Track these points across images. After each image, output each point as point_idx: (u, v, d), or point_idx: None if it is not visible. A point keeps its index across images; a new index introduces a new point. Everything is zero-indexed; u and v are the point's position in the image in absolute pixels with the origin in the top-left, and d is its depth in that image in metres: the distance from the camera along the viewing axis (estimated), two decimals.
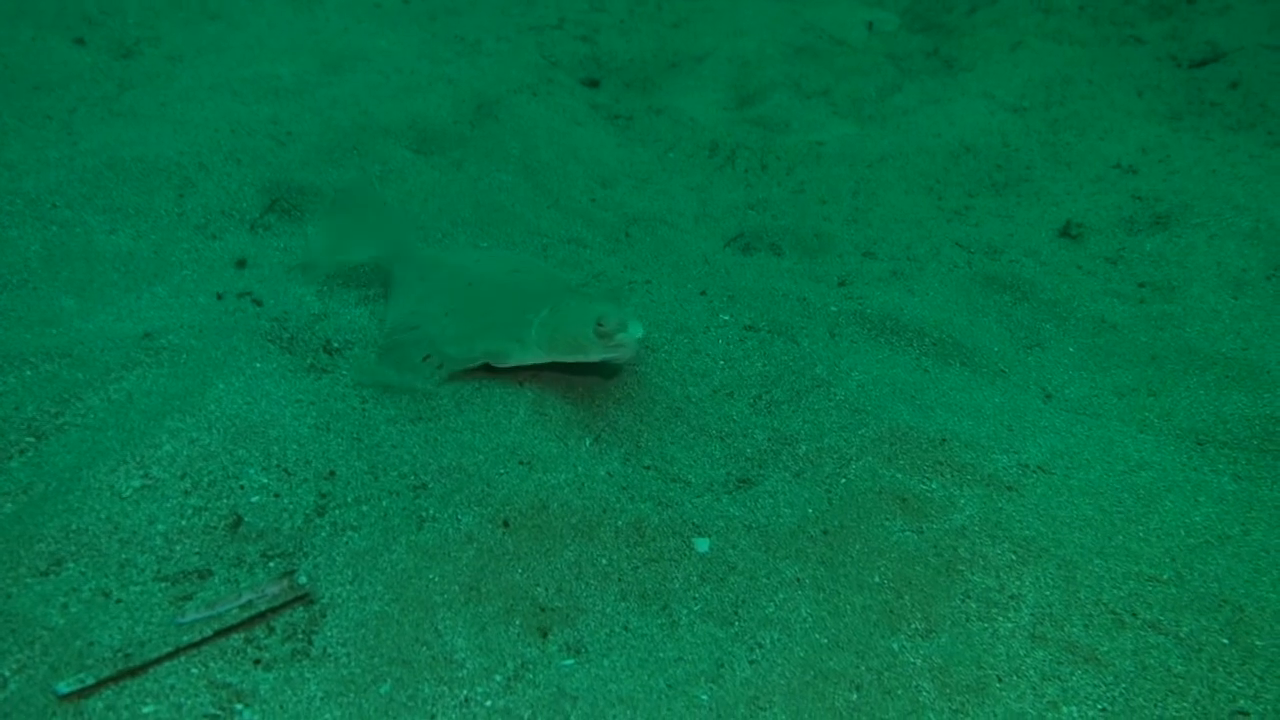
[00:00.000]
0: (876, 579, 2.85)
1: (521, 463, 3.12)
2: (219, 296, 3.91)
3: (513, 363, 3.41)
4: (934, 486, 3.18)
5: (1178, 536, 3.08)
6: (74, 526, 2.67)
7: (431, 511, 2.91)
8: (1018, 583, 2.88)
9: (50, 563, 2.62)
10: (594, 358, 3.30)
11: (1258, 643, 2.73)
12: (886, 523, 3.04)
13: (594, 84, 7.04)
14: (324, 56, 6.47)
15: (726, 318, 4.14)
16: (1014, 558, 2.95)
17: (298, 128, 5.50)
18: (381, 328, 3.76)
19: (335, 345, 3.74)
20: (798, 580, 2.85)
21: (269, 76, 6.04)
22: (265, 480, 3.00)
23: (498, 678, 2.47)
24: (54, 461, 2.92)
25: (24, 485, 2.85)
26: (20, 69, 5.67)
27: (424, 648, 2.51)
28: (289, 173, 4.94)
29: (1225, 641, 2.73)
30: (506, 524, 2.89)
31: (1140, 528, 3.11)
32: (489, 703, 2.40)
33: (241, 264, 4.22)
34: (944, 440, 3.36)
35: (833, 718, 2.45)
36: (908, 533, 3.01)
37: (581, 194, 5.33)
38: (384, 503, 2.95)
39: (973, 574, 2.90)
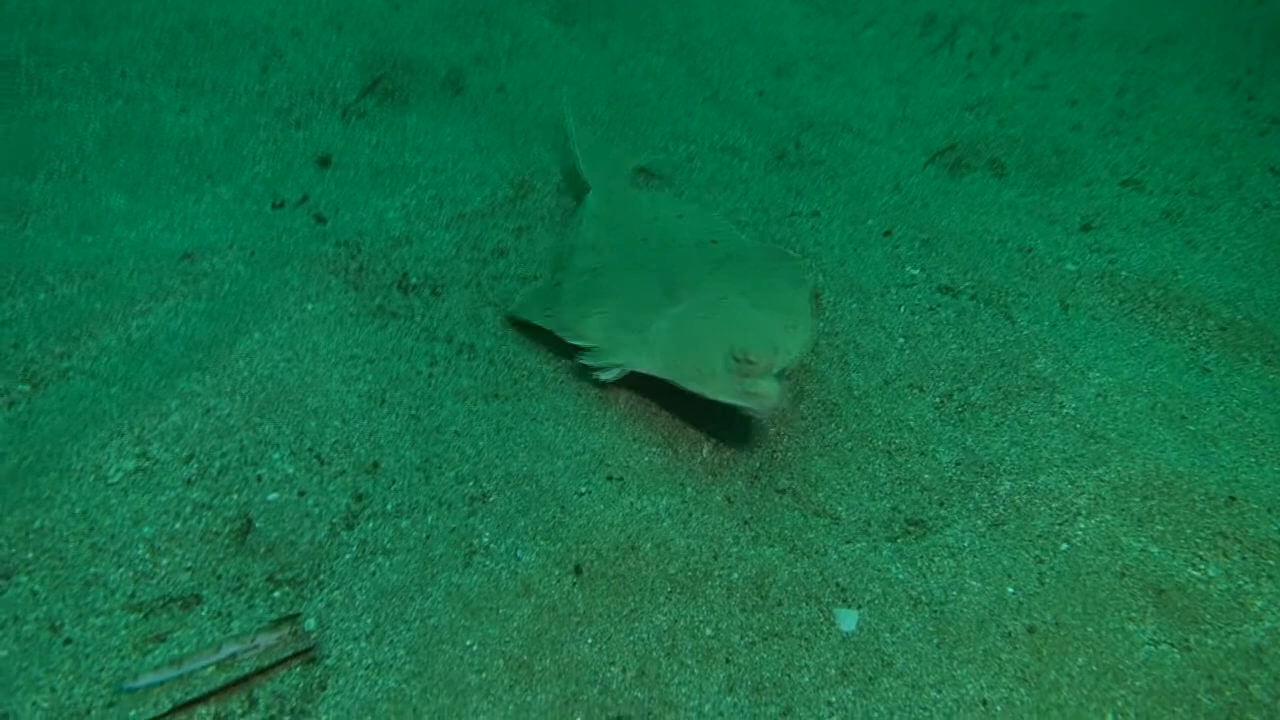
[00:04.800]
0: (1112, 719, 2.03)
1: (611, 478, 2.44)
2: (278, 205, 3.36)
3: (617, 363, 2.62)
4: (1213, 573, 2.27)
5: None
6: (37, 525, 2.23)
7: (485, 540, 2.29)
8: None
9: None
10: (718, 394, 2.45)
11: None
12: (1130, 626, 2.17)
13: None
14: None
15: (915, 272, 3.23)
16: None
17: None
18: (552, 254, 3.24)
19: (413, 280, 3.13)
20: (984, 704, 2.07)
21: None
22: (291, 470, 2.46)
23: None
24: (43, 422, 2.49)
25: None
26: None
27: None
28: (399, 44, 4.29)
29: None
30: (579, 570, 2.24)
31: None
32: None
33: (325, 162, 3.65)
34: (1233, 498, 2.41)
35: None
36: (1165, 646, 2.13)
37: (748, 84, 4.41)
38: (430, 518, 2.36)
39: None
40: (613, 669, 2.10)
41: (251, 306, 2.84)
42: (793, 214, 3.48)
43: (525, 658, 2.08)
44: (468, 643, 2.09)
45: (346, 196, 3.46)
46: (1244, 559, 2.29)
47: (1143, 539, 2.32)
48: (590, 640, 2.13)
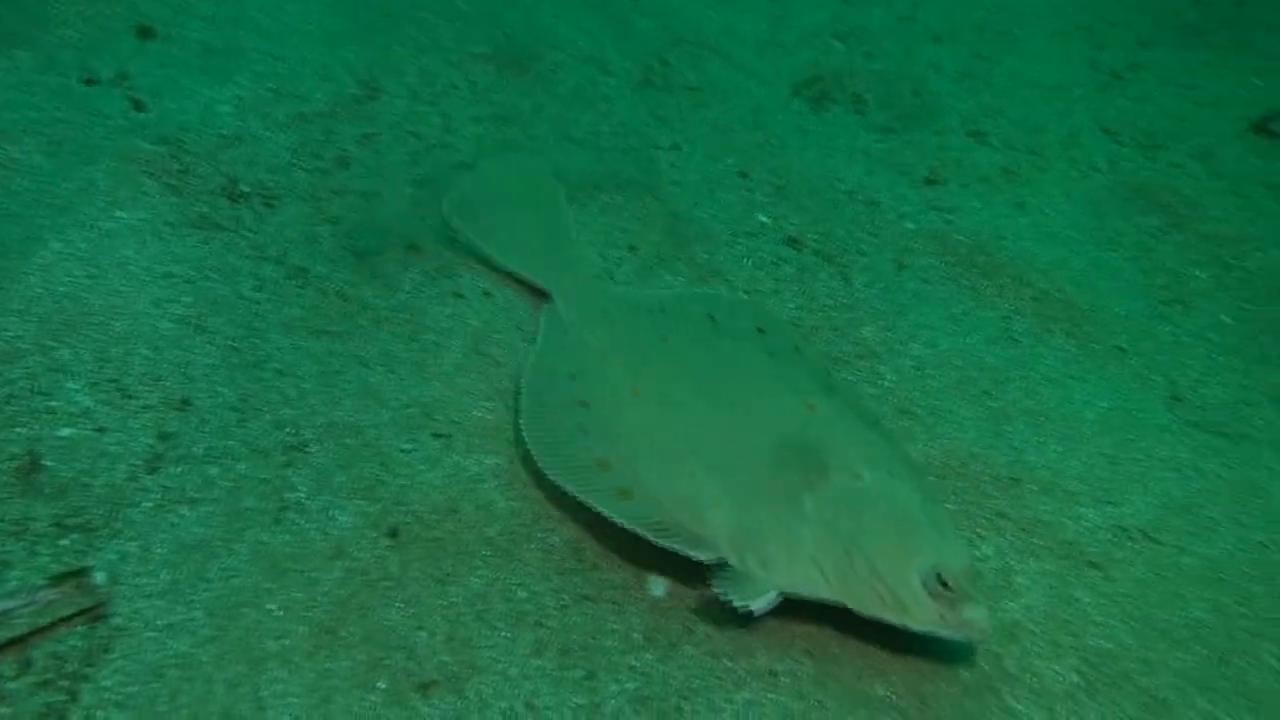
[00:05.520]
0: (881, 691, 2.13)
1: (438, 435, 2.33)
2: (90, 82, 2.94)
3: (773, 589, 2.05)
4: (988, 551, 2.38)
5: None
6: None
7: (300, 495, 2.16)
8: None
9: None
10: (915, 626, 2.02)
11: None
12: None
13: None
14: None
15: (765, 219, 3.16)
16: (1080, 681, 2.20)
17: None
18: (536, 356, 2.45)
19: (244, 188, 2.84)
20: (772, 674, 2.13)
21: None
22: (89, 402, 2.24)
23: None
24: None
25: None
26: None
27: None
28: None
29: None
30: (395, 534, 2.15)
31: (1276, 654, 2.30)
32: None
33: (146, 33, 3.22)
34: (1016, 479, 2.52)
35: None
36: None
37: None
38: (242, 466, 2.20)
39: (1017, 701, 2.16)
40: (421, 634, 2.05)
41: (50, 210, 2.52)
42: (654, 146, 3.31)
43: (330, 623, 2.00)
44: (270, 606, 1.99)
45: (171, 79, 3.08)
46: (1016, 538, 2.42)
47: None
48: (401, 605, 2.06)
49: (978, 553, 2.37)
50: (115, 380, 2.29)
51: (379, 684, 1.96)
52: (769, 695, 2.10)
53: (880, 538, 2.02)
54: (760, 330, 2.48)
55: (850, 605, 2.05)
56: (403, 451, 2.27)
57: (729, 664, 2.14)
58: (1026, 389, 2.81)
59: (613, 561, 2.26)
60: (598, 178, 3.09)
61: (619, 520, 2.11)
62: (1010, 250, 3.25)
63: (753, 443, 2.16)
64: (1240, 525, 2.60)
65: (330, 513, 2.14)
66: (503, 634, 2.10)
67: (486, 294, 2.68)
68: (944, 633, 2.03)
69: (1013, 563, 2.37)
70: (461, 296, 2.65)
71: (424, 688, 1.97)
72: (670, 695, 2.07)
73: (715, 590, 2.04)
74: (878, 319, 2.86)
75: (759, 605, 2.03)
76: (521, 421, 2.27)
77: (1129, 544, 2.49)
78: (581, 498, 2.14)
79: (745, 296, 2.85)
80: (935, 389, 2.70)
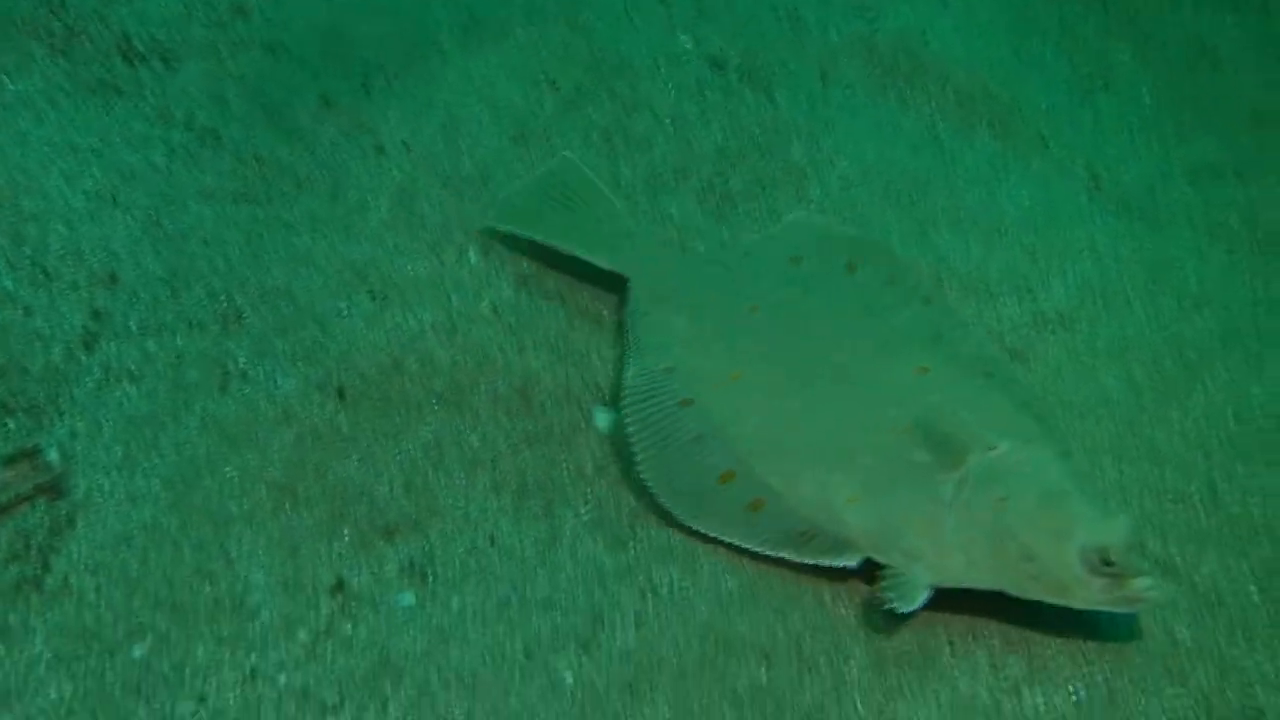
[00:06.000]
0: None
1: (372, 294, 2.30)
2: None
3: (924, 584, 1.86)
4: None
5: (1235, 436, 2.33)
6: None
7: (241, 364, 2.15)
8: None
9: None
10: (1079, 605, 1.84)
11: None
12: None
13: None
14: None
15: (687, 42, 3.02)
16: None
17: None
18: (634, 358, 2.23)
19: (139, 48, 2.65)
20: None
21: None
22: (10, 284, 2.17)
23: (302, 635, 1.89)
24: None
25: None
26: None
27: (206, 585, 1.90)
28: None
29: None
30: (342, 394, 2.15)
31: (1180, 415, 2.37)
32: (282, 679, 1.81)
33: None
34: (940, 280, 2.56)
35: (730, 706, 1.97)
36: None
37: None
38: (179, 340, 2.17)
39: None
40: (380, 485, 2.10)
41: None
42: None
43: (289, 483, 2.03)
44: (227, 471, 2.02)
45: None
46: None
47: None
48: (356, 460, 2.10)
49: None
50: (34, 260, 2.21)
51: (344, 533, 2.02)
52: None
53: (1028, 517, 1.82)
54: (850, 267, 2.29)
55: (1007, 591, 1.87)
56: (339, 313, 2.25)
57: None
58: (950, 192, 2.82)
59: (559, 402, 2.30)
60: (511, 10, 2.93)
61: (751, 545, 1.95)
62: (934, 50, 3.17)
63: (872, 423, 1.99)
64: (1153, 301, 2.67)
65: (275, 379, 2.14)
66: (459, 478, 2.15)
67: (407, 146, 2.59)
68: (1111, 609, 1.85)
69: None
70: (382, 151, 2.55)
71: (388, 533, 2.04)
72: (623, 520, 2.16)
73: (882, 594, 1.85)
74: (804, 137, 2.81)
75: (916, 605, 1.85)
76: (636, 454, 2.06)
77: (1047, 332, 2.55)
78: (714, 534, 1.98)
79: (825, 220, 2.56)
80: (861, 201, 2.70)
